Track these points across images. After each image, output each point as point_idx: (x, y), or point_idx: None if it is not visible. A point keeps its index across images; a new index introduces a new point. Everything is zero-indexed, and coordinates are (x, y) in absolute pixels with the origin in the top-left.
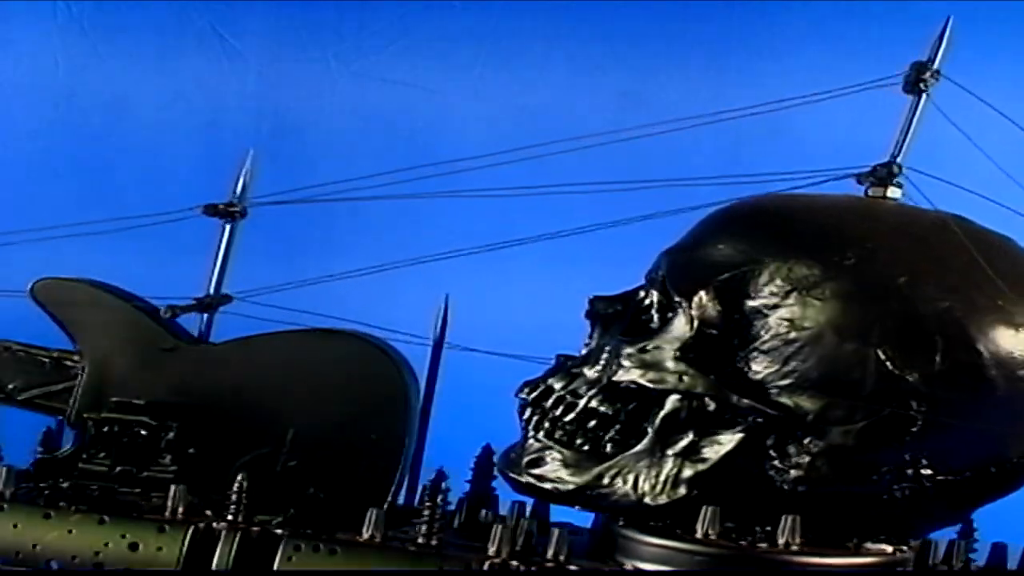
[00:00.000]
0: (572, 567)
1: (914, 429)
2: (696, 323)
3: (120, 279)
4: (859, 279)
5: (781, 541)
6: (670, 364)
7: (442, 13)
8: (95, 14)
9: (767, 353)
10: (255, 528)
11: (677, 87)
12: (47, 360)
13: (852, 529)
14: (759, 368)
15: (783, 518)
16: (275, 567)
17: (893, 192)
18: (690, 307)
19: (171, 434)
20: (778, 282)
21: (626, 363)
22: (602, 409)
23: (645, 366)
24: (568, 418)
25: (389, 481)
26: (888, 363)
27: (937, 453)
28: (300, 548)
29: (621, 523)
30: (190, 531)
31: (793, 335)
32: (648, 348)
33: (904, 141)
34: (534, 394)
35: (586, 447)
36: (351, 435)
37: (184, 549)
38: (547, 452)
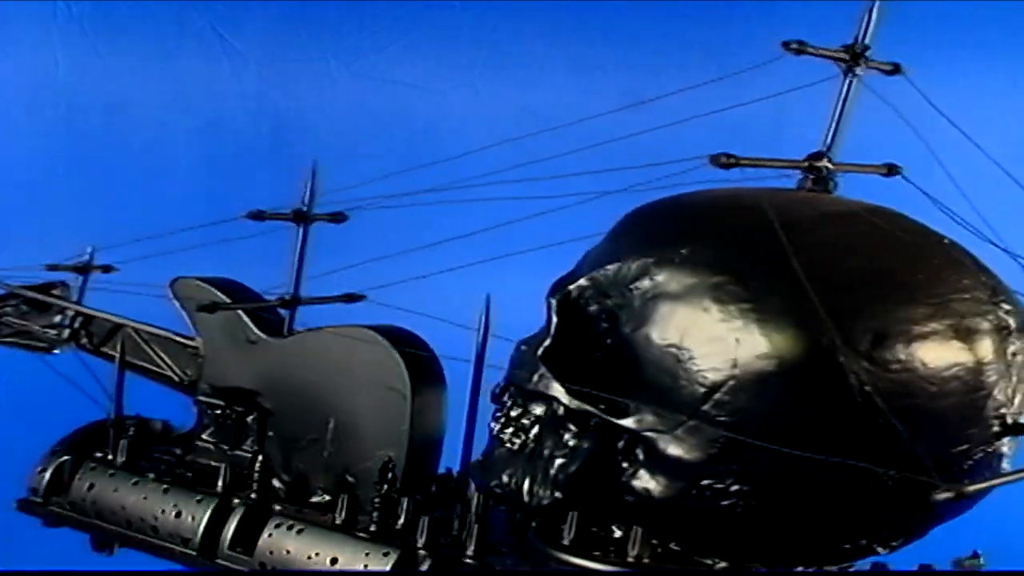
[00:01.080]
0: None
1: (718, 441)
2: (554, 325)
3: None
4: (679, 279)
5: (632, 554)
6: (534, 367)
7: (442, 13)
8: (95, 14)
9: (610, 357)
10: (255, 505)
11: (677, 87)
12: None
13: (699, 544)
14: (604, 373)
15: (632, 530)
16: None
17: (807, 181)
18: (551, 309)
19: (251, 418)
20: (624, 283)
21: (523, 365)
22: (514, 412)
23: (523, 367)
24: (505, 418)
25: (403, 469)
26: (694, 369)
27: (748, 469)
28: (279, 526)
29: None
30: (213, 505)
31: (626, 338)
32: (528, 350)
33: (835, 128)
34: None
35: (514, 447)
36: (374, 425)
37: (205, 520)
38: (495, 452)
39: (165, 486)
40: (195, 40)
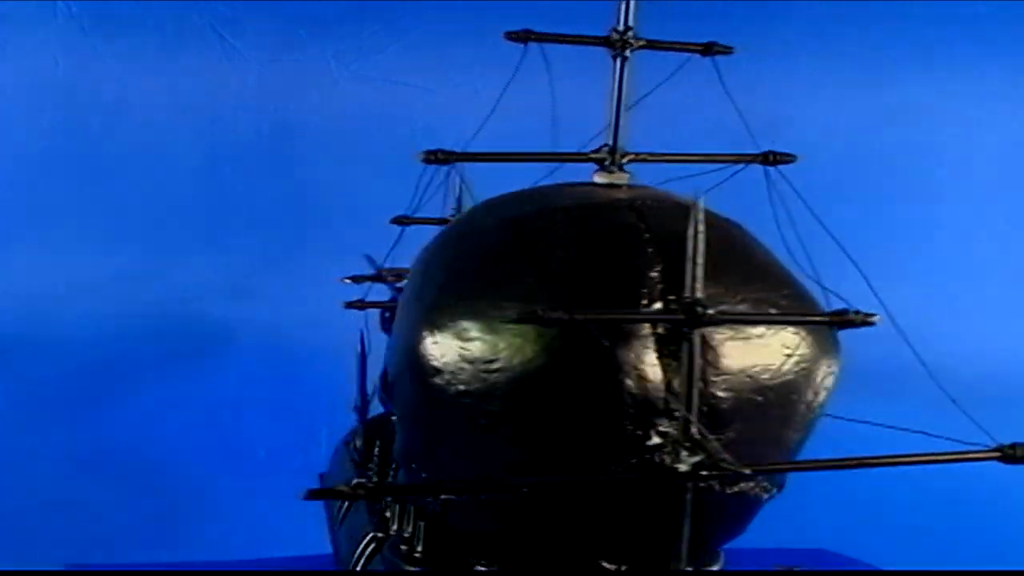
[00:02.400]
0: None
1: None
2: None
3: None
4: (409, 281)
5: (419, 549)
6: None
7: (442, 13)
8: (95, 14)
9: None
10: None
11: (677, 87)
12: None
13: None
14: None
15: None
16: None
17: (619, 177)
18: None
19: None
20: None
21: None
22: None
23: None
24: None
25: None
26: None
27: (430, 466)
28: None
29: None
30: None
31: None
32: None
33: (618, 115)
34: None
35: None
36: None
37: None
38: None
39: None
40: (195, 40)
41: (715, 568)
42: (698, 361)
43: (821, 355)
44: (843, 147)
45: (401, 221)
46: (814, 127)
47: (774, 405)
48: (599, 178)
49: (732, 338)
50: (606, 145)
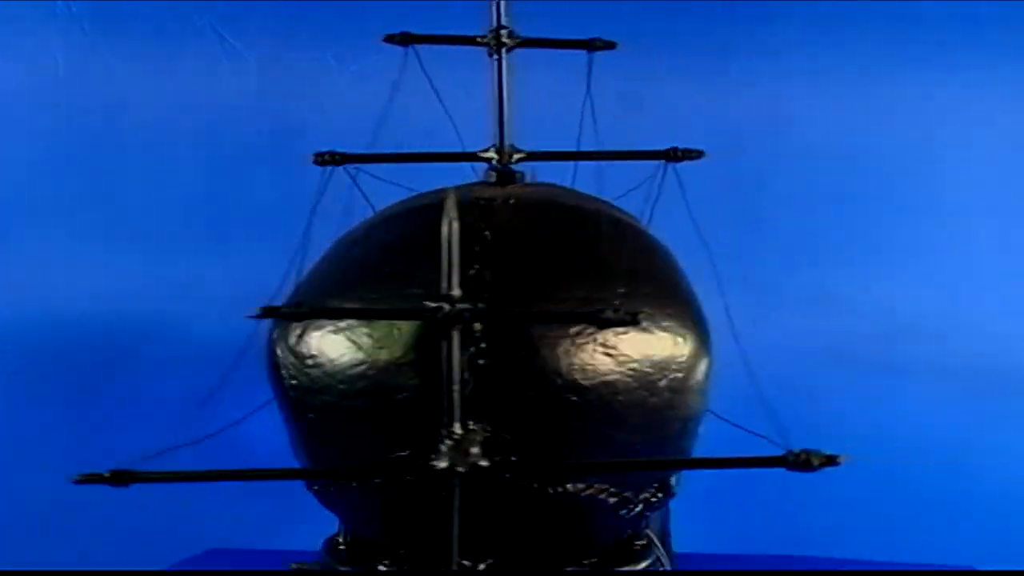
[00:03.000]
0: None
1: None
2: None
3: None
4: None
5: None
6: None
7: (442, 13)
8: (95, 14)
9: None
10: None
11: (677, 87)
12: None
13: None
14: None
15: None
16: None
17: (491, 175)
18: None
19: None
20: None
21: None
22: None
23: None
24: None
25: None
26: None
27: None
28: None
29: None
30: None
31: None
32: None
33: (501, 114)
34: None
35: None
36: None
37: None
38: None
39: None
40: (195, 40)
41: (632, 567)
42: (456, 355)
43: (661, 356)
44: (843, 147)
45: None
46: (814, 127)
47: (594, 406)
48: (491, 176)
49: (547, 337)
50: (494, 145)
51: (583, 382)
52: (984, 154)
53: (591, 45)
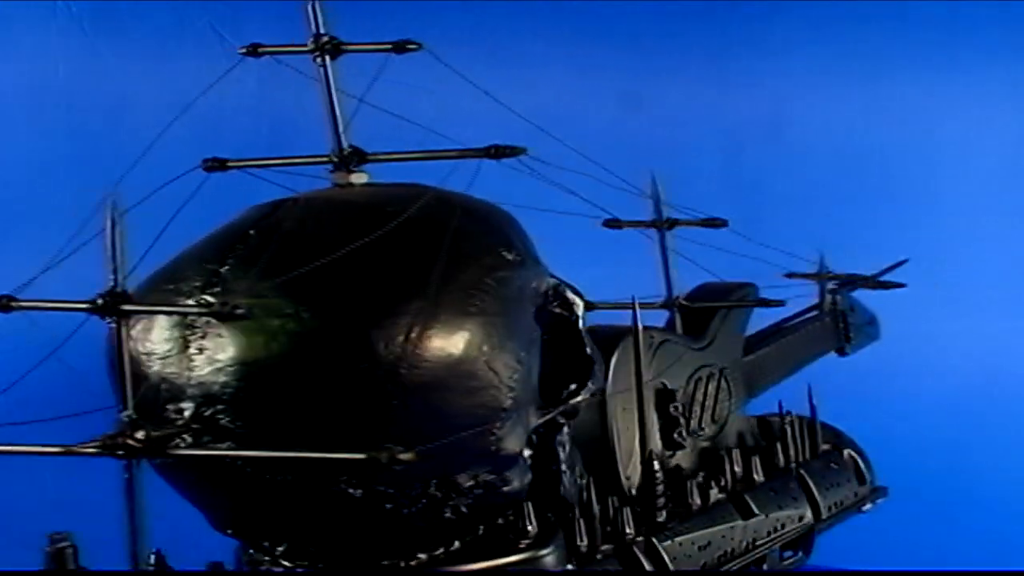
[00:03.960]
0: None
1: None
2: None
3: None
4: None
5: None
6: None
7: (442, 13)
8: (95, 14)
9: None
10: None
11: (677, 87)
12: None
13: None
14: None
15: None
16: None
17: (357, 177)
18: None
19: None
20: None
21: None
22: None
23: None
24: None
25: None
26: None
27: None
28: None
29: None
30: None
31: None
32: None
33: (334, 118)
34: None
35: None
36: None
37: None
38: None
39: None
40: (195, 40)
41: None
42: (124, 344)
43: (337, 349)
44: (843, 147)
45: (615, 225)
46: (814, 127)
47: (273, 392)
48: (335, 178)
49: (244, 332)
50: (334, 149)
51: (270, 373)
52: (984, 154)
53: (401, 48)
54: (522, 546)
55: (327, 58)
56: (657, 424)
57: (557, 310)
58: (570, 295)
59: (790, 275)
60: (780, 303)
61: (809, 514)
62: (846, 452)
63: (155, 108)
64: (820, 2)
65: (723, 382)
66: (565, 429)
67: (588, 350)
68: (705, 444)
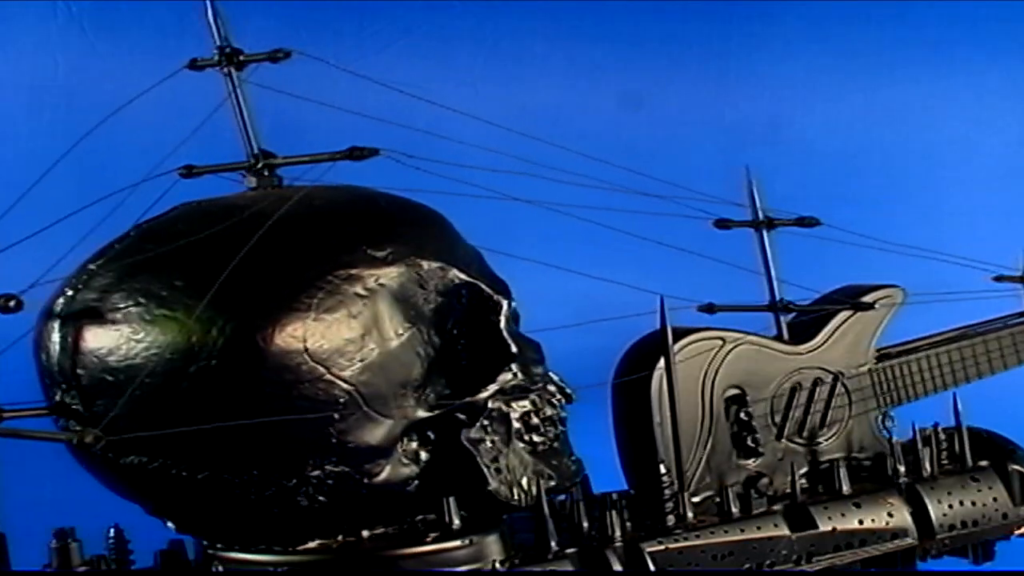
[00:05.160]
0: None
1: None
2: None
3: None
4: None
5: None
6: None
7: (442, 13)
8: (95, 14)
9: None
10: None
11: (677, 87)
12: None
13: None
14: None
15: None
16: None
17: (268, 180)
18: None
19: None
20: None
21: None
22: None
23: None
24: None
25: None
26: None
27: None
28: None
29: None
30: None
31: None
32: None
33: (246, 128)
34: None
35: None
36: None
37: None
38: None
39: None
40: (195, 40)
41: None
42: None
43: (186, 345)
44: (843, 147)
45: (724, 225)
46: (814, 127)
47: (126, 384)
48: (246, 183)
49: (92, 324)
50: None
51: (117, 364)
52: (984, 154)
53: (272, 56)
54: (428, 539)
55: (232, 69)
56: (729, 430)
57: (467, 306)
58: (487, 291)
59: (999, 278)
60: (869, 306)
61: (913, 532)
62: (1012, 468)
63: (155, 108)
64: (820, 2)
65: (838, 388)
66: (487, 426)
67: (513, 348)
68: (801, 450)
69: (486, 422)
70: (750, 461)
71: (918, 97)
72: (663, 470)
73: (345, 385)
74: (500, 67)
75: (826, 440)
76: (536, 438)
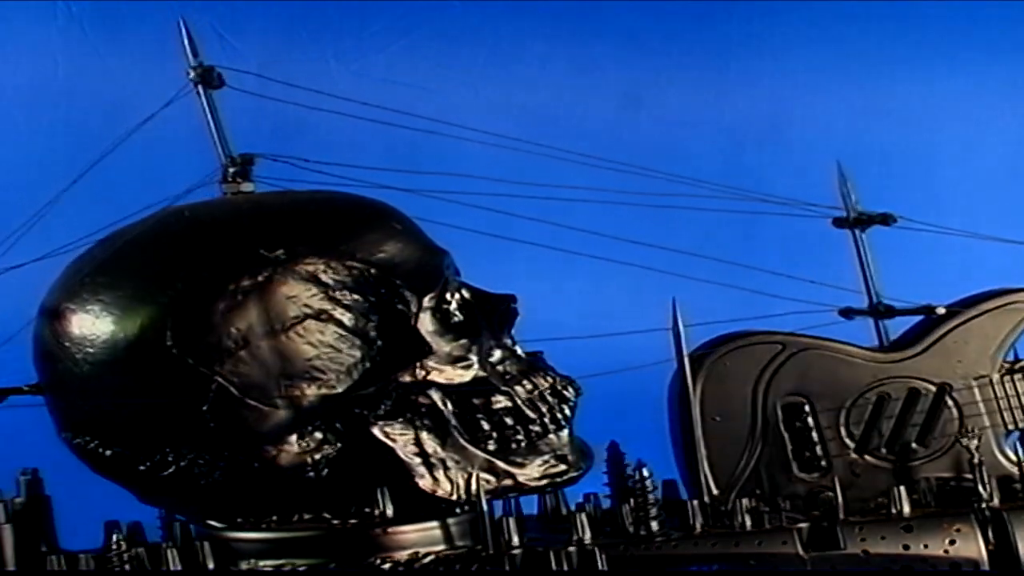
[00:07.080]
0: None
1: None
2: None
3: None
4: None
5: None
6: None
7: (442, 13)
8: (95, 14)
9: None
10: None
11: (677, 87)
12: None
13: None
14: None
15: None
16: None
17: (246, 186)
18: None
19: None
20: None
21: None
22: None
23: None
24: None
25: None
26: None
27: None
28: None
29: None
30: None
31: None
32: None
33: (219, 134)
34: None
35: None
36: None
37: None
38: None
39: None
40: (195, 40)
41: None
42: None
43: (40, 331)
44: (843, 147)
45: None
46: (814, 127)
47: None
48: (224, 188)
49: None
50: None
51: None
52: (984, 154)
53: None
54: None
55: (203, 88)
56: (789, 442)
57: (380, 301)
58: (400, 286)
59: None
60: (933, 310)
61: (984, 566)
62: None
63: (155, 108)
64: (820, 2)
65: (944, 400)
66: (413, 419)
67: (428, 344)
68: (887, 467)
69: (411, 415)
70: (813, 475)
71: (918, 97)
72: (646, 473)
73: (211, 375)
74: (500, 67)
75: (927, 458)
76: (495, 435)
